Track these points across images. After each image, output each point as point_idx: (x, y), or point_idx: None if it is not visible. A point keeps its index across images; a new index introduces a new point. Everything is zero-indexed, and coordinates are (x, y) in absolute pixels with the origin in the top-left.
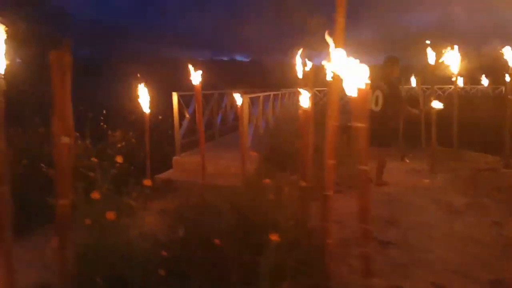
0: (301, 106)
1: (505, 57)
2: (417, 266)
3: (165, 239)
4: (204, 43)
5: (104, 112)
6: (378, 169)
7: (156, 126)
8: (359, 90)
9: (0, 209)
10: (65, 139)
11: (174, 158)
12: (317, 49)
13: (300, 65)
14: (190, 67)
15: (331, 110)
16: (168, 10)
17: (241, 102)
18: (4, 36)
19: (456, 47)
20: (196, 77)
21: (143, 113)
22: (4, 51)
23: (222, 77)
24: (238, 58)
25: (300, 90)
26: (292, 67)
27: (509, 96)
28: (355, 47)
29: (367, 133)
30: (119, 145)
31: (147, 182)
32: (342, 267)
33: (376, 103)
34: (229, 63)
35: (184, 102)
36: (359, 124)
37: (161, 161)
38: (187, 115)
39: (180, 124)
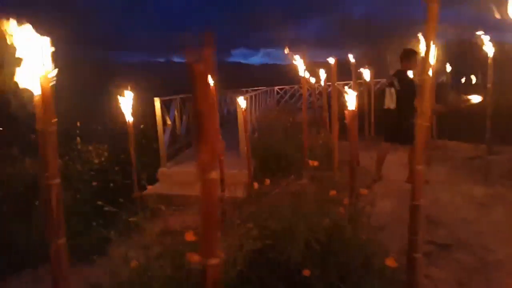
0: (347, 106)
1: (484, 47)
2: (491, 268)
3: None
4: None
5: (78, 124)
6: (410, 171)
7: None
8: None
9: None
10: (214, 174)
11: (160, 169)
12: (256, 48)
13: (302, 64)
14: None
15: (423, 107)
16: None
17: (244, 105)
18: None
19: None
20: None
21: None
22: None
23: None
24: (176, 59)
25: (347, 89)
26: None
27: (488, 85)
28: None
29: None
30: (96, 161)
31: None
32: (422, 280)
33: (392, 101)
34: (165, 65)
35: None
36: None
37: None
38: (169, 122)
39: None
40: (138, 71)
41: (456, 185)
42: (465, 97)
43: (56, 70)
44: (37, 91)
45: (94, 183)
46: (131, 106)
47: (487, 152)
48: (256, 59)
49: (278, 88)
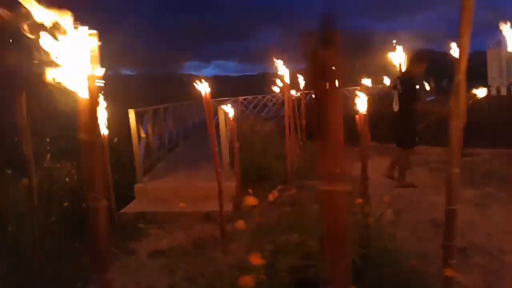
0: (358, 110)
1: (453, 53)
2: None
3: None
4: None
5: (48, 140)
6: (399, 171)
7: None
8: None
9: None
10: (342, 185)
11: (137, 186)
12: (207, 60)
13: (287, 73)
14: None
15: (457, 108)
16: None
17: (232, 113)
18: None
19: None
20: (203, 87)
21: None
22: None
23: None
24: (123, 71)
25: (358, 93)
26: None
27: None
28: None
29: None
30: (67, 179)
31: None
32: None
33: (396, 104)
34: (113, 77)
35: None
36: None
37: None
38: (144, 135)
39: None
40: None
41: (442, 187)
42: (471, 92)
43: (104, 69)
44: (83, 93)
45: (65, 203)
46: (106, 118)
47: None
48: (208, 71)
49: (242, 98)
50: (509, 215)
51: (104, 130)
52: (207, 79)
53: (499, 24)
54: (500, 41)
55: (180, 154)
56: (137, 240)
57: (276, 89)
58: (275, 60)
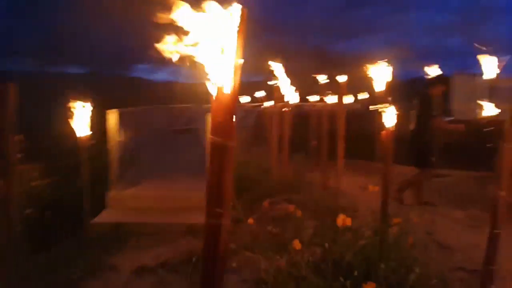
0: (385, 126)
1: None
2: None
3: None
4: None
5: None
6: (401, 185)
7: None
8: None
9: None
10: None
11: (111, 193)
12: (161, 64)
13: (287, 82)
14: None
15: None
16: None
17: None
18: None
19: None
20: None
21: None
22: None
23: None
24: (72, 70)
25: (386, 107)
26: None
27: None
28: None
29: None
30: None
31: None
32: None
33: (413, 122)
34: (58, 75)
35: None
36: None
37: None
38: (120, 139)
39: None
40: (28, 81)
41: (432, 207)
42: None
43: (242, 60)
44: (223, 87)
45: (28, 211)
46: (87, 119)
47: (433, 175)
48: (161, 76)
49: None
50: (504, 237)
51: (82, 132)
52: (159, 84)
53: (477, 50)
54: (465, 67)
55: (151, 160)
56: (117, 255)
57: (242, 100)
58: (273, 69)
